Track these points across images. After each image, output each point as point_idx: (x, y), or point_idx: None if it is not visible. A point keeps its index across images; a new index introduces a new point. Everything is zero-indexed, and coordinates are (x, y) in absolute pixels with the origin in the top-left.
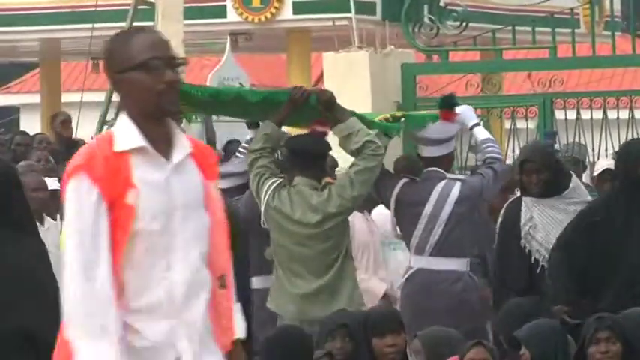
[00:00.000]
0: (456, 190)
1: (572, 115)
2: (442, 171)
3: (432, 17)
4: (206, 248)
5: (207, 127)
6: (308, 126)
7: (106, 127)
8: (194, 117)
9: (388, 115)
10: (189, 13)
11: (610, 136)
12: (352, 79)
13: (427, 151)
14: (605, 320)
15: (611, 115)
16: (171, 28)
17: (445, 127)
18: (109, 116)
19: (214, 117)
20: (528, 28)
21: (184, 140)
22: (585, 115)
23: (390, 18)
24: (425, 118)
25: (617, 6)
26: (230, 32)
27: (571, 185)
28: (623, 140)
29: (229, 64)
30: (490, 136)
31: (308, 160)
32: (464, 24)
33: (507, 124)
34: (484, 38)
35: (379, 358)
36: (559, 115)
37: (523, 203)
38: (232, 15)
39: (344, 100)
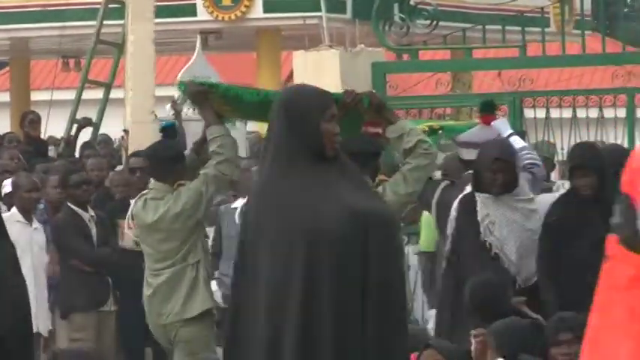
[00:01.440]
0: None
1: (541, 113)
2: None
3: (402, 16)
4: None
5: (177, 126)
6: (358, 129)
7: (75, 126)
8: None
9: (426, 127)
10: (160, 12)
11: (579, 134)
12: (322, 78)
13: (468, 154)
14: (567, 321)
15: (581, 113)
16: (142, 26)
17: (485, 131)
18: (79, 114)
19: (187, 115)
20: (498, 27)
21: None
22: (555, 113)
23: (360, 17)
24: (459, 129)
25: (587, 5)
26: (200, 31)
27: (520, 182)
28: (592, 139)
29: (200, 63)
30: (526, 144)
31: (362, 159)
32: (434, 23)
33: None
34: (454, 37)
35: None
36: (528, 113)
37: (478, 199)
38: (203, 14)
39: None
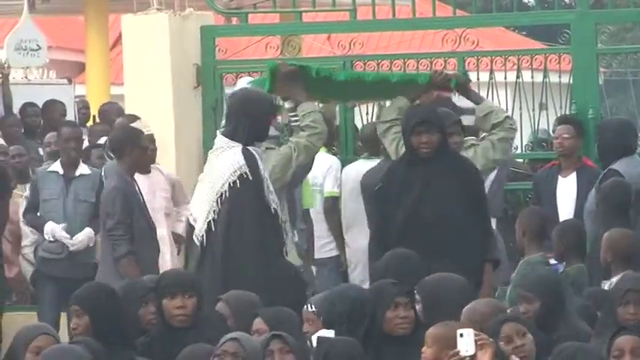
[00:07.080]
0: None
1: None
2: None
3: None
4: None
5: (3, 90)
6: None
7: None
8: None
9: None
10: None
11: None
12: (151, 42)
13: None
14: (404, 286)
15: None
16: None
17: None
18: None
19: (15, 79)
20: None
21: None
22: None
23: None
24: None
25: None
26: None
27: None
28: None
29: (27, 27)
30: None
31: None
32: None
33: None
34: (284, 0)
35: (169, 320)
36: None
37: None
38: None
39: (143, 63)
